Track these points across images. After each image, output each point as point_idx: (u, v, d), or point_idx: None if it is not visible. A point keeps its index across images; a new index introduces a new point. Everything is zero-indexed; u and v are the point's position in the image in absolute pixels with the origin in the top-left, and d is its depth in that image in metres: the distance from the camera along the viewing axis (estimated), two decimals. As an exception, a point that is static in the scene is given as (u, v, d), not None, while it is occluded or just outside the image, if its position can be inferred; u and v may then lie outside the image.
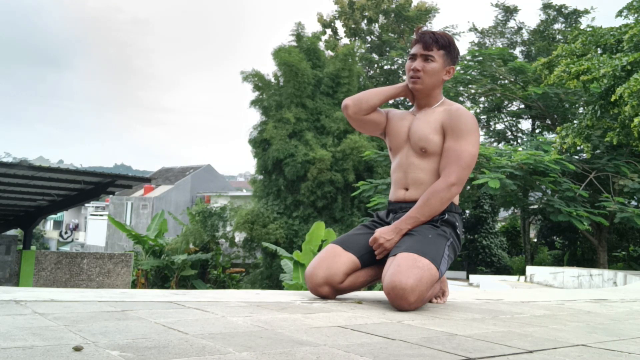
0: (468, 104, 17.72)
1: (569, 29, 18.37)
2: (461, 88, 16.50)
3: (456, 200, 2.20)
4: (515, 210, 19.63)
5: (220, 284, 18.45)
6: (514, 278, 13.14)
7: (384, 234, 2.07)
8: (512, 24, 21.71)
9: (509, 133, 19.01)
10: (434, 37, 2.17)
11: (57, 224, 49.55)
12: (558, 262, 17.96)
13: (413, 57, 2.20)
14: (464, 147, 2.09)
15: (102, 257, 11.45)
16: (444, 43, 2.18)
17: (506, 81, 15.78)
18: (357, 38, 24.54)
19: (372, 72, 24.23)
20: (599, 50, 10.54)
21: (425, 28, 2.25)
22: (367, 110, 2.24)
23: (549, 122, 16.60)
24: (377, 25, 24.56)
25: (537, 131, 17.66)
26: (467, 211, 19.74)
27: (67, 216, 46.44)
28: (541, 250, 20.51)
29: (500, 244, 20.55)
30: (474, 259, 19.75)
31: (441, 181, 2.08)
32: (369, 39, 24.75)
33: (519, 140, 18.27)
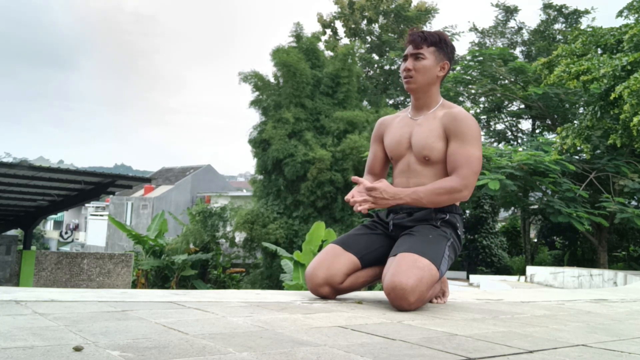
0: (468, 104, 17.73)
1: (569, 29, 18.37)
2: (461, 88, 16.51)
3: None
4: (516, 211, 19.64)
5: (220, 284, 18.44)
6: (514, 278, 13.14)
7: (384, 192, 2.05)
8: (512, 24, 21.74)
9: (509, 133, 19.02)
10: (422, 35, 2.16)
11: (57, 224, 49.59)
12: (558, 262, 17.95)
13: (405, 59, 2.20)
14: (471, 151, 2.06)
15: (102, 257, 11.45)
16: (434, 40, 2.16)
17: (506, 81, 15.79)
18: (356, 38, 24.52)
19: (371, 72, 24.24)
20: (599, 51, 10.54)
21: (416, 30, 2.23)
22: None
23: (549, 122, 16.61)
24: (376, 25, 24.55)
25: (537, 131, 17.67)
26: (467, 211, 19.73)
27: (67, 216, 46.47)
28: (541, 250, 20.51)
29: (501, 244, 20.53)
30: (474, 259, 19.73)
31: (459, 181, 2.04)
32: (369, 39, 24.74)
33: (519, 141, 18.28)
